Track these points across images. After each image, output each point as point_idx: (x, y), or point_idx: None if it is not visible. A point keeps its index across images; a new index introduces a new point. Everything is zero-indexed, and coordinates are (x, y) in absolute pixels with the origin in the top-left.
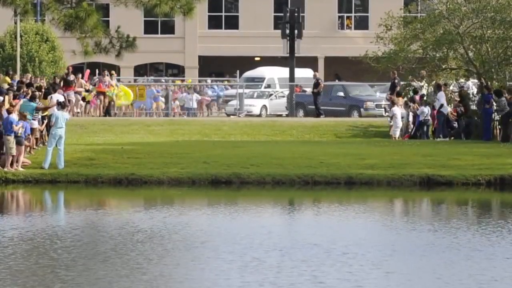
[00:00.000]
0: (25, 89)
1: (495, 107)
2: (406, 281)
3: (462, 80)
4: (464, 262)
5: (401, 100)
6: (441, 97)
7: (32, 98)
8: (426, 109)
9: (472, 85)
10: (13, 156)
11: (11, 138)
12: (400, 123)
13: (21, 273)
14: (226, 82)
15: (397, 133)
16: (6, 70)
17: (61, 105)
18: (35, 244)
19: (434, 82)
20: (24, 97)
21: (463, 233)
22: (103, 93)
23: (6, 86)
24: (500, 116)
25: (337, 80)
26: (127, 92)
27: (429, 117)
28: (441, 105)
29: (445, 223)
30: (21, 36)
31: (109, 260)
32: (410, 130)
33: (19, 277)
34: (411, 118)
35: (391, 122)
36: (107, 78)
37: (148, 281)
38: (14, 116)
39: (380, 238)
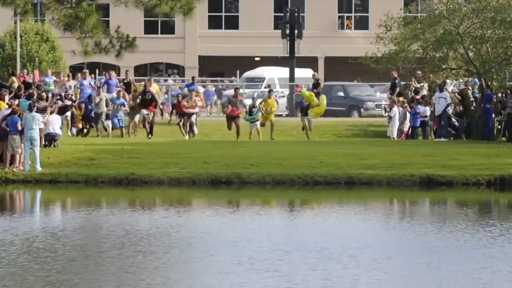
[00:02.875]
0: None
1: (510, 104)
2: (409, 283)
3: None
4: (467, 264)
5: (400, 100)
6: (447, 96)
7: (39, 99)
8: (428, 109)
9: (451, 83)
10: (19, 155)
11: (17, 138)
12: (397, 123)
13: (15, 275)
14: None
15: (395, 133)
16: (12, 71)
17: (30, 108)
18: (28, 245)
19: (433, 82)
20: (24, 97)
21: (464, 233)
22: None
23: (15, 86)
24: (507, 114)
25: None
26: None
27: (429, 118)
28: (448, 105)
29: (445, 223)
30: (21, 36)
31: (100, 262)
32: (407, 129)
33: (14, 279)
34: (408, 118)
35: (389, 122)
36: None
37: (142, 281)
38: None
39: (381, 239)
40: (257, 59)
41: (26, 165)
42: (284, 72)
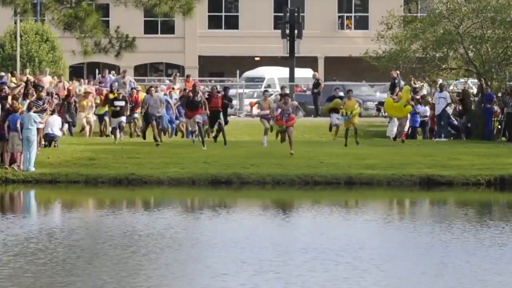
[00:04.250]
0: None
1: (510, 104)
2: (409, 284)
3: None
4: (468, 264)
5: None
6: (447, 96)
7: (38, 99)
8: (428, 109)
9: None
10: (20, 153)
11: (18, 135)
12: (396, 123)
13: (12, 276)
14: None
15: (394, 133)
16: (11, 70)
17: (28, 107)
18: (26, 246)
19: (434, 81)
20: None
21: (464, 233)
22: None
23: (12, 85)
24: (506, 114)
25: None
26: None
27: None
28: (448, 104)
29: (446, 223)
30: (21, 36)
31: (98, 263)
32: (407, 130)
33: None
34: (408, 118)
35: (389, 122)
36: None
37: (141, 282)
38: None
39: (382, 239)
40: (257, 59)
41: (25, 164)
42: (284, 72)
